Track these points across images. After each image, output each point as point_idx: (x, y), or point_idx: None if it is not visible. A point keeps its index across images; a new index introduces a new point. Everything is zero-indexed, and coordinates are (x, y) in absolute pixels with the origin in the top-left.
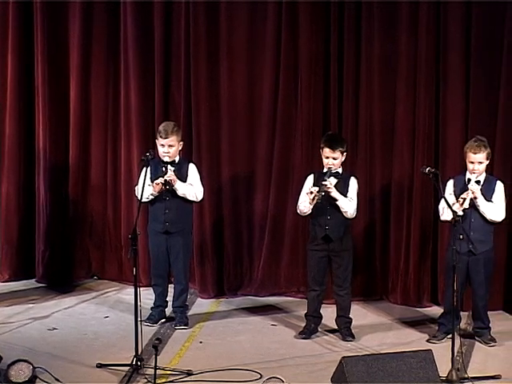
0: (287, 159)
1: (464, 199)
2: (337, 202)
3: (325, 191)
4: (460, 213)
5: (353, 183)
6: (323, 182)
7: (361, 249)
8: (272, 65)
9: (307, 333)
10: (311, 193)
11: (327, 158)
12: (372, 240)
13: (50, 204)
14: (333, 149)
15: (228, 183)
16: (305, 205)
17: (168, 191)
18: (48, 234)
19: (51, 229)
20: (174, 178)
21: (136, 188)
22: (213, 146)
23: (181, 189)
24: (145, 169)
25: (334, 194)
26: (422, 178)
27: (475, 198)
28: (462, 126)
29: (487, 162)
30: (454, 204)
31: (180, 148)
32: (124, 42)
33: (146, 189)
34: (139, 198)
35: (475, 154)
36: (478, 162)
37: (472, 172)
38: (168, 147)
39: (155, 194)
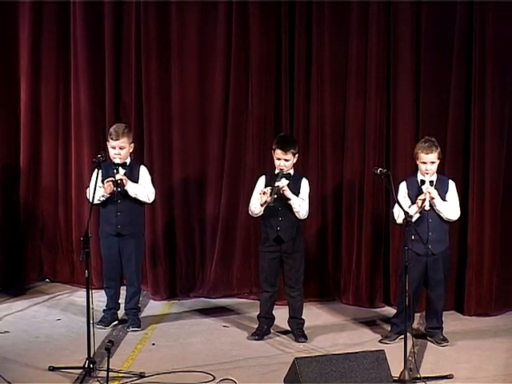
0: (239, 160)
1: (423, 200)
2: (289, 202)
3: (277, 193)
4: (416, 215)
5: (304, 184)
6: (276, 183)
7: (313, 250)
8: (223, 65)
9: (260, 334)
10: (264, 193)
11: (279, 159)
12: (324, 241)
13: (0, 207)
14: (285, 150)
15: (180, 185)
16: (256, 206)
17: (120, 193)
18: None
19: (2, 232)
20: (125, 178)
21: (87, 190)
22: (164, 148)
23: (132, 189)
24: (96, 170)
25: (288, 193)
26: (373, 179)
27: (432, 198)
28: (412, 127)
29: (438, 161)
30: (410, 206)
31: (131, 150)
32: (74, 43)
33: (98, 191)
34: (90, 200)
35: (427, 154)
36: (430, 162)
37: (425, 173)
38: (119, 149)
39: (106, 195)
